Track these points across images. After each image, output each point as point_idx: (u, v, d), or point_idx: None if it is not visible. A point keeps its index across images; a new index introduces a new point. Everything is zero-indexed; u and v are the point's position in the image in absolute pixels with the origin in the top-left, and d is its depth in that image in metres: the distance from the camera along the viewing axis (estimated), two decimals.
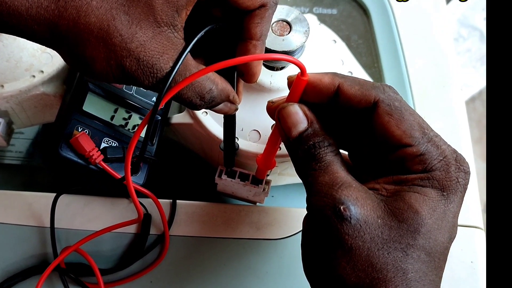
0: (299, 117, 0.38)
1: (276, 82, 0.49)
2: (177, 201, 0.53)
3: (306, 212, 0.38)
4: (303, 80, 0.38)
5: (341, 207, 0.33)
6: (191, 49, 0.35)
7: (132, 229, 0.52)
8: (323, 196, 0.35)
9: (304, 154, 0.38)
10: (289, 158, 0.48)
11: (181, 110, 0.57)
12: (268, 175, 0.51)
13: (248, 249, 0.52)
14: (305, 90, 0.39)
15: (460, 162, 0.35)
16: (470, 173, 0.36)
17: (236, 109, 0.41)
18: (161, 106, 0.35)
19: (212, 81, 0.37)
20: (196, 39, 0.36)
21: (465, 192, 0.35)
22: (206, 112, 0.51)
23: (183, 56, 0.34)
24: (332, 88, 0.38)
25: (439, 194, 0.34)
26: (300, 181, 0.56)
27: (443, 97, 0.65)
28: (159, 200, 0.51)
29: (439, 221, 0.34)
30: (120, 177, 0.48)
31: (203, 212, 0.53)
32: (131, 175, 0.49)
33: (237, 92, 0.41)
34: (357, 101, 0.37)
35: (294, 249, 0.52)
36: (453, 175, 0.35)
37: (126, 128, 0.52)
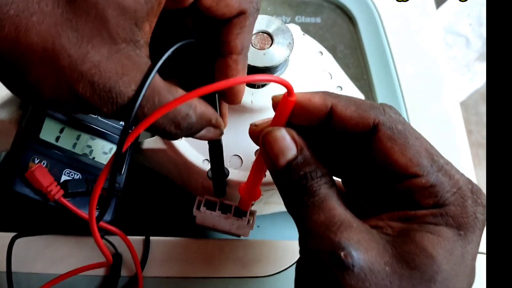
0: (287, 143, 0.34)
1: (258, 101, 0.45)
2: (151, 237, 0.48)
3: (299, 256, 0.33)
4: (291, 101, 0.34)
5: (342, 253, 0.29)
6: (159, 69, 0.30)
7: (100, 271, 0.47)
8: (319, 239, 0.30)
9: (294, 187, 0.33)
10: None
11: (154, 134, 0.53)
12: (252, 205, 0.47)
13: None
14: (293, 111, 0.35)
15: (476, 194, 0.31)
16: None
17: (221, 134, 0.36)
18: (130, 141, 0.30)
19: (188, 105, 0.32)
20: (164, 57, 0.31)
21: (483, 230, 0.31)
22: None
23: (150, 77, 0.29)
24: (324, 109, 0.34)
25: (455, 233, 0.30)
26: None
27: (438, 108, 0.62)
28: (131, 237, 0.47)
29: (457, 266, 0.29)
30: (84, 216, 0.43)
31: (180, 249, 0.48)
32: (102, 218, 0.44)
33: (221, 115, 0.37)
34: (353, 124, 0.33)
35: (284, 287, 0.48)
36: (470, 210, 0.30)
37: (91, 157, 0.47)
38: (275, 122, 0.35)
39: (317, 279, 0.30)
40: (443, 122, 0.60)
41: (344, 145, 0.36)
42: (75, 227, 0.47)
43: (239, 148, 0.45)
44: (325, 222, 0.31)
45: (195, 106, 0.32)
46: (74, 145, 0.47)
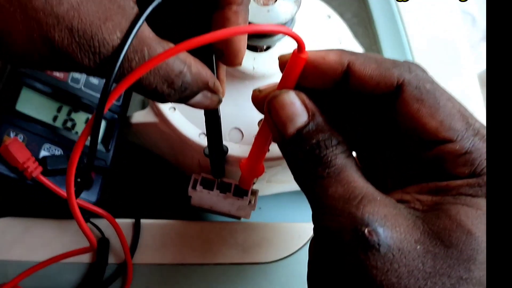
0: (297, 108, 0.30)
1: (260, 67, 0.40)
2: (142, 220, 0.44)
3: (312, 235, 0.29)
4: (301, 59, 0.29)
5: (366, 230, 0.25)
6: (148, 18, 0.26)
7: (86, 258, 0.43)
8: (338, 214, 0.26)
9: (306, 157, 0.29)
10: (281, 161, 0.40)
11: (144, 106, 0.48)
12: (254, 183, 0.42)
13: (233, 276, 0.44)
14: (303, 72, 0.30)
15: None
16: None
17: (220, 101, 0.32)
18: (113, 98, 0.25)
19: (182, 61, 0.27)
20: (155, 3, 0.26)
21: None
22: (174, 108, 0.41)
23: (138, 24, 0.25)
24: (339, 68, 0.29)
25: None
26: (293, 188, 0.48)
27: (456, 81, 0.57)
28: (119, 220, 0.42)
29: None
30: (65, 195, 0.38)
31: (174, 233, 0.44)
32: (82, 191, 0.40)
33: (218, 80, 0.32)
34: (374, 85, 0.29)
35: (289, 275, 0.44)
36: None
37: (73, 131, 0.42)
38: (282, 85, 0.31)
39: (336, 262, 0.26)
40: (461, 98, 0.56)
41: (362, 111, 0.32)
42: (56, 209, 0.42)
43: (239, 120, 0.41)
44: (344, 196, 0.27)
45: (189, 64, 0.28)
46: (55, 118, 0.42)
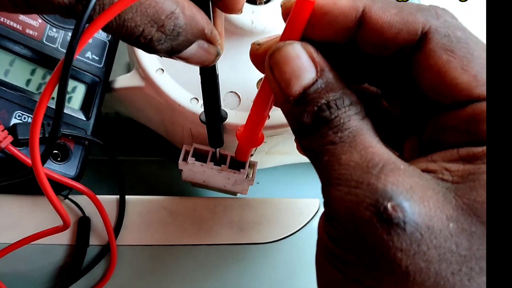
0: (303, 62, 0.26)
1: (260, 21, 0.36)
2: (127, 197, 0.40)
3: (322, 210, 0.25)
4: (309, 3, 0.25)
5: (388, 205, 0.21)
6: None
7: (65, 239, 0.39)
8: (354, 186, 0.22)
9: (313, 120, 0.25)
10: (283, 129, 0.36)
11: (130, 69, 0.44)
12: (252, 155, 0.39)
13: (228, 258, 0.40)
14: (311, 20, 0.26)
15: None
16: None
17: (219, 55, 0.28)
18: (87, 38, 0.21)
19: (174, 1, 0.24)
20: None
21: None
22: (162, 70, 0.37)
23: None
24: (353, 15, 0.25)
25: None
26: (296, 160, 0.44)
27: None
28: (101, 197, 0.38)
29: None
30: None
31: (163, 210, 0.40)
32: (56, 162, 0.36)
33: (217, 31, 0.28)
34: (393, 34, 0.25)
35: (291, 256, 0.40)
36: None
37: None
38: (286, 35, 0.27)
39: (351, 242, 0.22)
40: None
41: (378, 65, 0.28)
42: (29, 184, 0.38)
43: (236, 82, 0.37)
44: (361, 163, 0.23)
45: (182, 5, 0.24)
46: (28, 82, 0.38)
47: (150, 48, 0.24)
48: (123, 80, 0.40)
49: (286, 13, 0.27)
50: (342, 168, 0.23)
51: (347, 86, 0.26)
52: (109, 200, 0.40)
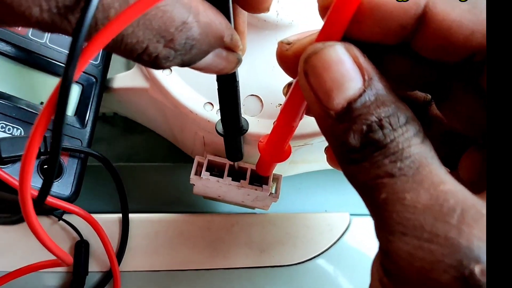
0: (347, 69, 0.22)
1: (286, 12, 0.31)
2: (131, 215, 0.36)
3: (355, 227, 0.21)
4: None
5: (476, 269, 0.17)
6: None
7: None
8: (427, 239, 0.18)
9: (362, 143, 0.21)
10: (313, 138, 0.32)
11: (130, 65, 0.39)
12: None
13: (248, 284, 0.36)
14: (356, 17, 0.22)
15: None
16: None
17: (239, 62, 0.24)
18: (83, 64, 0.17)
19: (186, 6, 0.19)
20: None
21: None
22: (170, 69, 0.33)
23: None
24: (412, 10, 0.21)
25: None
26: (322, 167, 0.40)
27: None
28: (102, 216, 0.34)
29: None
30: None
31: (172, 231, 0.36)
32: (49, 187, 0.32)
33: (237, 32, 0.24)
34: (465, 36, 0.20)
35: (319, 280, 0.37)
36: None
37: (36, 102, 0.34)
38: (325, 35, 0.22)
39: None
40: None
41: (440, 76, 0.23)
42: (15, 206, 0.34)
43: (257, 84, 0.32)
44: (432, 207, 0.18)
45: (196, 10, 0.20)
46: (13, 85, 0.33)
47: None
48: (123, 79, 0.36)
49: (325, 7, 0.23)
50: (408, 211, 0.19)
51: (399, 98, 0.22)
52: (110, 220, 0.36)
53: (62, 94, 0.16)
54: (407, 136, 0.20)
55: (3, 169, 0.30)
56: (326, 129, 0.22)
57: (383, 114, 0.21)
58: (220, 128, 0.29)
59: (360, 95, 0.21)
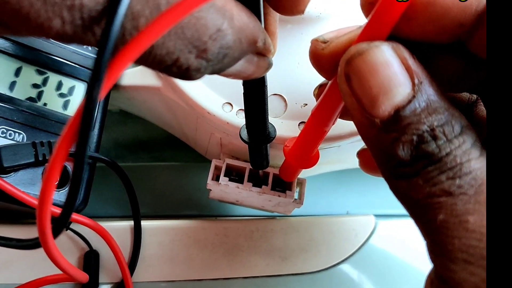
0: (395, 72, 0.20)
1: (313, 5, 0.29)
2: (143, 222, 0.34)
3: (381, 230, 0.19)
4: None
5: None
6: None
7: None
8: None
9: (413, 156, 0.19)
10: (342, 141, 0.30)
11: None
12: None
13: None
14: (407, 13, 0.19)
15: None
16: None
17: (270, 67, 0.22)
18: (110, 81, 0.14)
19: (220, 11, 0.17)
20: None
21: None
22: None
23: None
24: (472, 6, 0.19)
25: None
26: (347, 166, 0.38)
27: None
28: (112, 224, 0.32)
29: None
30: (32, 203, 0.27)
31: (187, 238, 0.34)
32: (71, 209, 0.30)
33: (268, 33, 0.22)
34: None
35: (343, 287, 0.34)
36: None
37: (40, 103, 0.31)
38: (368, 34, 0.20)
39: None
40: None
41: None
42: (19, 215, 0.32)
43: (281, 82, 0.30)
44: None
45: (231, 15, 0.18)
46: (12, 85, 0.31)
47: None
48: (133, 76, 0.33)
49: (369, 2, 0.20)
50: (472, 237, 0.17)
51: (452, 104, 0.20)
52: (120, 228, 0.33)
53: (85, 117, 0.14)
54: (465, 148, 0.18)
55: (5, 180, 0.27)
56: (369, 139, 0.20)
57: (435, 122, 0.19)
58: (244, 134, 0.27)
59: (410, 102, 0.19)
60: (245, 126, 0.27)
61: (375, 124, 0.19)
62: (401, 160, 0.19)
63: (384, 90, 0.19)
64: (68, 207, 0.16)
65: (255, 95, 0.24)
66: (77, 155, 0.14)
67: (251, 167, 0.30)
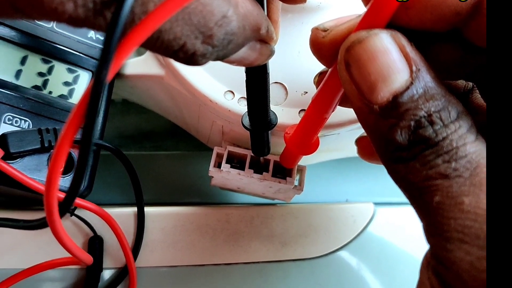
0: (393, 59, 0.20)
1: None
2: (146, 208, 0.34)
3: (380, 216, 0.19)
4: None
5: None
6: None
7: None
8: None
9: (410, 140, 0.19)
10: (342, 128, 0.30)
11: (142, 51, 0.37)
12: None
13: (270, 278, 0.35)
14: (405, 3, 0.20)
15: None
16: None
17: (272, 54, 0.22)
18: (118, 63, 0.15)
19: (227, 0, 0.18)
20: None
21: None
22: None
23: None
24: None
25: None
26: (346, 155, 0.39)
27: None
28: (116, 210, 0.33)
29: None
30: (39, 189, 0.28)
31: (189, 224, 0.35)
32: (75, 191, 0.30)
33: (270, 21, 0.22)
34: None
35: (343, 273, 0.36)
36: None
37: (45, 91, 0.32)
38: (367, 22, 0.21)
39: None
40: None
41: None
42: (24, 201, 0.33)
43: (281, 70, 0.30)
44: None
45: (236, 2, 0.18)
46: (18, 74, 0.31)
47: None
48: (136, 65, 0.34)
49: None
50: (467, 217, 0.17)
51: (448, 90, 0.20)
52: (124, 214, 0.34)
53: (93, 99, 0.14)
54: (461, 132, 0.19)
55: (11, 165, 0.28)
56: (368, 124, 0.21)
57: (432, 108, 0.19)
58: (246, 121, 0.28)
59: (407, 88, 0.19)
60: (247, 114, 0.27)
61: (374, 110, 0.20)
62: (399, 145, 0.19)
63: (383, 77, 0.19)
64: (76, 180, 0.17)
65: (258, 82, 0.25)
66: (84, 135, 0.15)
67: (252, 154, 0.31)
